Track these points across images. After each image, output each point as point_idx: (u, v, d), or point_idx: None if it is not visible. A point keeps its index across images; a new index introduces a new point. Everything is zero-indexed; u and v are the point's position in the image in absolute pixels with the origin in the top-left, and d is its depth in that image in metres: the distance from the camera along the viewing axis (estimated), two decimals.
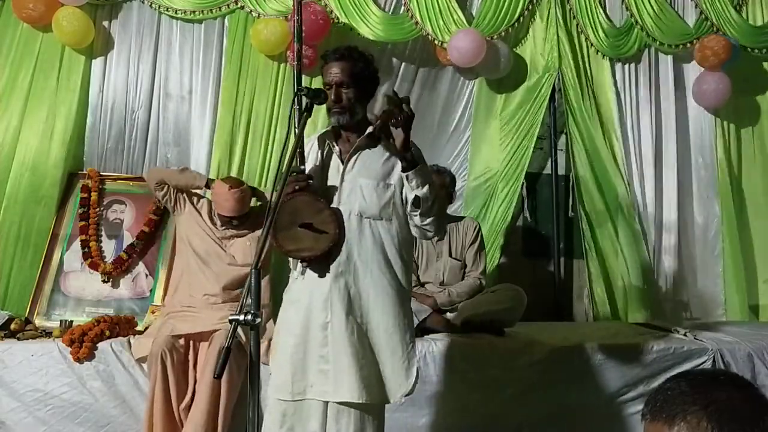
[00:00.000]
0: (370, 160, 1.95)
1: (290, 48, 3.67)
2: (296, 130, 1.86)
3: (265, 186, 3.58)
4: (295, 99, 1.91)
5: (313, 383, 1.86)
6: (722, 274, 4.23)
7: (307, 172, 1.92)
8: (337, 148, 1.96)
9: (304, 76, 3.02)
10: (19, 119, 3.55)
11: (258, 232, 2.91)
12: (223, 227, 3.01)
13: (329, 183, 1.94)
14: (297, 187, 1.81)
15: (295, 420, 1.89)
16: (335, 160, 1.96)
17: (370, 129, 1.96)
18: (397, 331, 1.93)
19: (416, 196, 1.88)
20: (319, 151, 1.97)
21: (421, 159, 1.91)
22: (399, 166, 1.94)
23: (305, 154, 1.96)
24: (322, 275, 1.87)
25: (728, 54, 4.03)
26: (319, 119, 3.39)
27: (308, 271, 1.90)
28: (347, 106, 1.93)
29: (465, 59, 3.85)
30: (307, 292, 1.90)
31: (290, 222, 1.82)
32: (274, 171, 3.66)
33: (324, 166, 1.97)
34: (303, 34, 3.45)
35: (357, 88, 1.95)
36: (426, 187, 1.88)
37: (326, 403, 1.87)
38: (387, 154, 1.96)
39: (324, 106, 1.96)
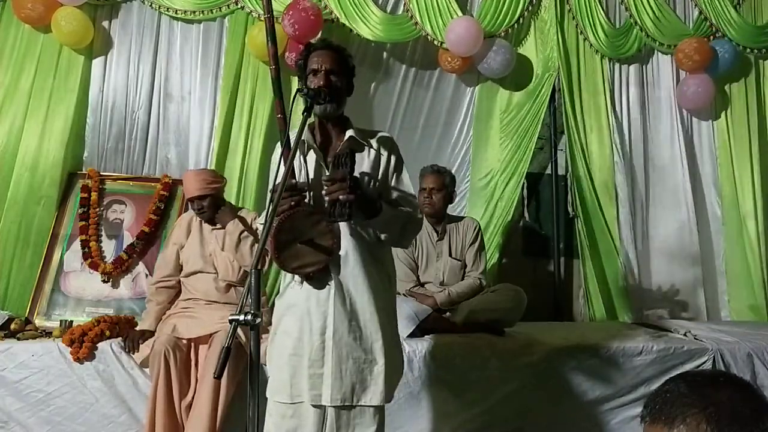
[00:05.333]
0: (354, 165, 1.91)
1: (287, 50, 3.66)
2: (283, 136, 1.86)
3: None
4: (281, 105, 1.88)
5: (307, 387, 1.86)
6: (721, 273, 4.23)
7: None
8: (320, 153, 1.93)
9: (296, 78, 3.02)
10: (22, 120, 3.55)
11: (239, 248, 2.87)
12: (209, 228, 2.97)
13: (313, 185, 1.91)
14: (293, 203, 1.79)
15: (295, 422, 1.89)
16: (318, 166, 1.93)
17: (350, 132, 1.93)
18: (393, 330, 2.00)
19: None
20: (301, 157, 1.93)
21: (374, 205, 1.84)
22: (381, 169, 1.95)
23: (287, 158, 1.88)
24: (322, 287, 1.87)
25: (704, 56, 4.04)
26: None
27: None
28: (336, 92, 1.91)
29: (462, 46, 3.84)
30: (304, 297, 1.89)
31: (291, 240, 1.81)
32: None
33: (307, 169, 1.93)
34: (296, 33, 3.50)
35: (345, 77, 1.96)
36: (384, 232, 1.91)
37: (324, 406, 1.87)
38: (368, 158, 1.95)
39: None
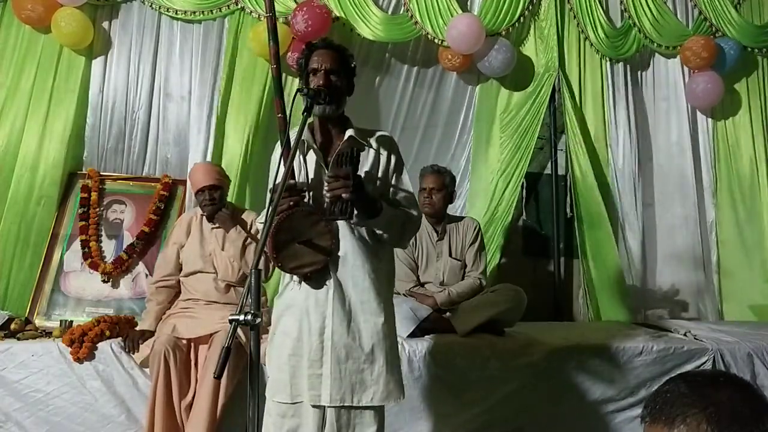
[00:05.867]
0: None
1: (290, 50, 3.67)
2: (283, 135, 1.86)
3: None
4: (281, 105, 1.88)
5: (307, 387, 1.86)
6: (721, 273, 4.23)
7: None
8: (320, 153, 1.93)
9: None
10: (22, 120, 3.55)
11: (245, 257, 2.88)
12: (209, 227, 2.97)
13: (312, 185, 1.91)
14: (291, 203, 1.79)
15: (295, 422, 1.89)
16: (318, 166, 1.92)
17: (350, 132, 1.93)
18: (392, 330, 1.98)
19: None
20: (300, 156, 1.93)
21: (374, 205, 1.85)
22: (380, 168, 1.95)
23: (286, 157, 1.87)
24: (319, 287, 1.87)
25: (711, 53, 4.05)
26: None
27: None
28: (336, 92, 1.90)
29: (463, 44, 3.84)
30: (303, 297, 1.90)
31: (289, 240, 1.81)
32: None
33: (307, 169, 1.92)
34: (309, 29, 3.51)
35: (345, 77, 1.95)
36: (385, 232, 1.89)
37: (323, 406, 1.87)
38: (368, 157, 1.95)
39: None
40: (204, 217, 2.98)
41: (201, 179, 2.90)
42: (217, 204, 2.91)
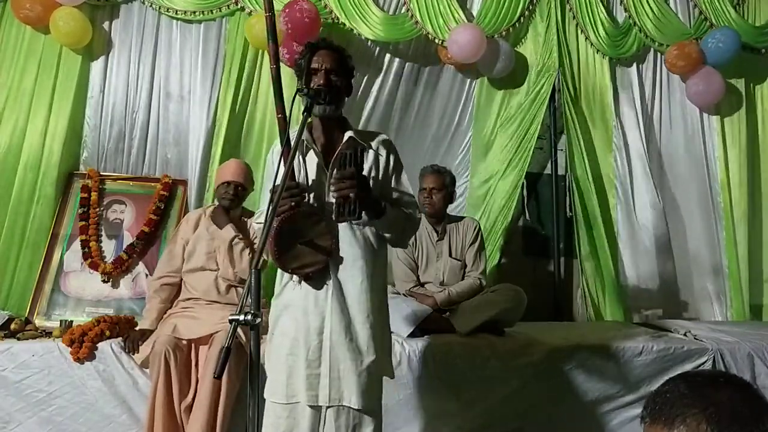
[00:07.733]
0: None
1: (281, 44, 3.65)
2: (282, 135, 1.86)
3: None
4: (281, 105, 1.88)
5: (304, 387, 1.86)
6: (722, 273, 4.23)
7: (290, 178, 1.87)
8: (320, 153, 1.93)
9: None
10: (24, 120, 3.55)
11: (232, 255, 2.89)
12: (220, 222, 2.96)
13: (312, 186, 1.91)
14: (293, 203, 1.81)
15: (290, 423, 1.89)
16: (318, 167, 1.93)
17: (350, 133, 1.94)
18: (387, 331, 2.02)
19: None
20: (300, 157, 1.93)
21: (379, 205, 1.87)
22: (381, 170, 1.96)
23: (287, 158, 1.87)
24: (319, 287, 1.88)
25: (689, 60, 4.03)
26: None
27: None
28: (336, 92, 1.92)
29: (464, 54, 3.84)
30: (301, 296, 1.90)
31: (290, 240, 1.82)
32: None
33: (306, 169, 1.93)
34: (289, 32, 3.48)
35: (345, 78, 1.97)
36: (388, 232, 1.93)
37: (319, 406, 1.87)
38: (368, 159, 1.95)
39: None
40: (213, 214, 2.99)
41: (231, 173, 2.97)
42: (236, 201, 2.97)
